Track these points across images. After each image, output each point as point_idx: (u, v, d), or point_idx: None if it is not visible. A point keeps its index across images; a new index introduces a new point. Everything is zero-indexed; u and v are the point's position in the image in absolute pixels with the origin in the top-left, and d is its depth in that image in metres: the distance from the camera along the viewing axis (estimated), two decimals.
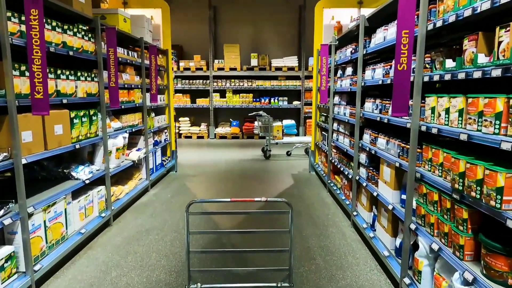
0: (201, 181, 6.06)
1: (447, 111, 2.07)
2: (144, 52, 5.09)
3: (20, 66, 2.52)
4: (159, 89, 6.18)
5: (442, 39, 2.52)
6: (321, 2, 6.26)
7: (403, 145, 2.72)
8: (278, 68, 10.82)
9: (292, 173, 6.60)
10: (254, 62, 10.83)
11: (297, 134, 10.97)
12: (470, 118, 1.83)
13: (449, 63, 2.04)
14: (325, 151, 5.64)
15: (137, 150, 5.03)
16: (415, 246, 2.51)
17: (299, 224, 4.06)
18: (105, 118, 3.85)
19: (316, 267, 3.09)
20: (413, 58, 2.39)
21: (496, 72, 1.59)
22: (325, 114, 5.84)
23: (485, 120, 1.71)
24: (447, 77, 2.01)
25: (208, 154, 8.52)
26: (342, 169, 4.50)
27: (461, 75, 1.87)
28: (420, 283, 2.33)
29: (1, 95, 2.34)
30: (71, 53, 3.18)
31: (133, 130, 4.80)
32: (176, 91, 11.35)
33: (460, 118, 1.94)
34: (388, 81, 2.91)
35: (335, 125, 5.00)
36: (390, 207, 2.84)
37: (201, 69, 10.95)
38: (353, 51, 4.09)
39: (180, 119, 11.23)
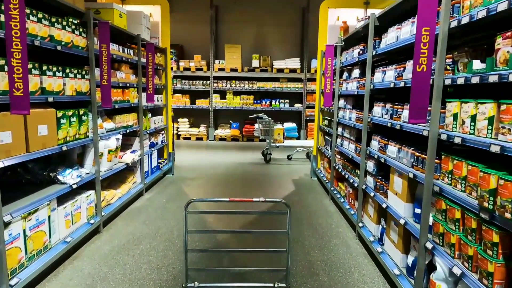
0: (198, 185, 5.82)
1: (473, 118, 1.83)
2: (141, 49, 4.86)
3: None
4: (157, 88, 5.96)
5: (465, 38, 2.29)
6: (326, 2, 6.04)
7: (417, 154, 2.48)
8: (280, 70, 10.60)
9: (293, 179, 6.37)
10: (255, 63, 10.61)
11: (298, 138, 10.74)
12: (503, 127, 1.60)
13: (477, 65, 1.81)
14: (328, 156, 5.40)
15: (131, 152, 4.80)
16: (430, 266, 2.27)
17: (301, 234, 3.82)
18: (96, 118, 3.62)
19: (319, 284, 2.85)
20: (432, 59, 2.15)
21: None
22: (328, 118, 5.61)
23: None
24: (475, 80, 1.77)
25: (206, 157, 8.29)
26: (347, 176, 4.27)
27: (493, 78, 1.64)
28: None
29: None
30: (59, 47, 2.95)
31: (128, 131, 4.56)
32: (176, 91, 11.12)
33: (489, 127, 1.71)
34: (402, 84, 2.68)
35: (340, 129, 4.76)
36: (401, 221, 2.60)
37: (201, 69, 10.73)
38: (361, 52, 3.87)
39: (179, 120, 11.00)
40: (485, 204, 1.65)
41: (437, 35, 2.06)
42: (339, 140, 4.83)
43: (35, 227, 2.73)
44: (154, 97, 5.06)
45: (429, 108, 2.18)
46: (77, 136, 3.34)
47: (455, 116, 1.99)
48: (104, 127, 3.96)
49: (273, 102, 10.78)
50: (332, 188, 5.00)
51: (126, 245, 3.48)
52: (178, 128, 10.98)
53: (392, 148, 2.94)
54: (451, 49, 2.16)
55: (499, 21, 1.86)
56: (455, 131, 2.01)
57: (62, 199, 3.22)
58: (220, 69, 10.71)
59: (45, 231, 2.84)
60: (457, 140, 1.90)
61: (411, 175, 2.49)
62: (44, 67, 2.83)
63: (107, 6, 4.19)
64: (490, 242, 1.67)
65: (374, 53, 3.37)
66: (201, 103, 10.95)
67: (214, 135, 10.92)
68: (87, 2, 3.76)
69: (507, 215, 1.52)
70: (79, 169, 3.50)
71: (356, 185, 3.86)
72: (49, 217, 2.90)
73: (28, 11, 2.61)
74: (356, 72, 4.20)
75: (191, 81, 10.90)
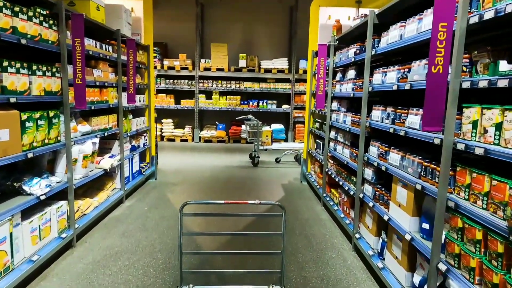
0: (182, 190, 5.49)
1: (499, 126, 1.61)
2: (121, 46, 4.51)
3: None
4: (138, 88, 5.60)
5: (482, 36, 2.08)
6: (317, 0, 5.81)
7: (426, 163, 2.26)
8: (268, 70, 10.36)
9: (283, 183, 6.12)
10: (242, 63, 10.33)
11: (286, 140, 10.53)
12: None
13: (504, 66, 1.58)
14: (320, 160, 5.18)
15: (110, 157, 4.44)
16: None
17: (294, 245, 3.57)
18: (69, 121, 3.27)
19: None
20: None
21: None
22: (320, 121, 5.39)
23: None
24: (502, 83, 1.55)
25: (191, 159, 7.95)
26: (341, 183, 4.04)
27: None
28: None
29: None
30: (23, 41, 2.60)
31: (106, 134, 4.21)
32: (160, 91, 10.72)
33: None
34: (407, 87, 2.46)
35: (333, 133, 4.54)
36: (407, 236, 2.38)
37: (187, 68, 10.37)
38: (357, 51, 3.64)
39: (163, 120, 10.60)
40: None
41: (453, 33, 1.84)
42: (332, 144, 4.60)
43: None
44: (135, 97, 4.72)
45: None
46: (46, 141, 2.98)
47: (474, 123, 1.77)
48: (79, 130, 3.60)
49: (261, 103, 10.53)
50: (324, 195, 4.77)
51: (102, 262, 3.14)
52: (162, 129, 10.58)
53: (395, 156, 2.71)
54: (466, 48, 1.94)
55: None
56: (474, 141, 1.79)
57: (28, 212, 2.86)
58: (206, 69, 10.38)
59: (5, 250, 2.49)
60: (479, 151, 1.68)
61: (418, 187, 2.26)
62: (5, 63, 2.48)
63: None
64: None
65: (373, 53, 3.15)
66: (186, 103, 10.59)
67: (200, 137, 10.58)
68: None
69: None
70: (49, 178, 3.14)
71: (352, 193, 3.63)
72: (11, 234, 2.54)
73: None
74: (351, 73, 3.98)
75: (175, 81, 10.53)
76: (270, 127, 9.60)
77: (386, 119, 2.93)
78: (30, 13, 2.70)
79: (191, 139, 10.61)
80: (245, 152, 8.96)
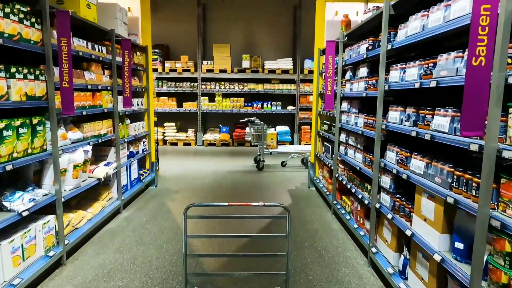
0: (184, 198, 5.20)
1: None
2: (115, 47, 4.24)
3: None
4: (136, 91, 5.33)
5: None
6: None
7: (458, 173, 1.94)
8: (272, 71, 10.05)
9: (289, 189, 5.80)
10: (245, 63, 10.04)
11: (292, 142, 10.22)
12: None
13: None
14: (329, 165, 4.86)
15: (105, 165, 4.16)
16: None
17: (304, 260, 3.25)
18: (56, 128, 2.99)
19: None
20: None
21: None
22: (328, 123, 5.07)
23: None
24: None
25: (194, 164, 7.67)
26: (353, 190, 3.72)
27: None
28: None
29: None
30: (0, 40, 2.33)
31: (100, 141, 3.93)
32: (161, 94, 10.48)
33: None
34: (432, 84, 2.14)
35: (343, 136, 4.22)
36: (436, 257, 2.06)
37: (189, 70, 10.11)
38: (370, 47, 3.33)
39: (165, 124, 10.35)
40: None
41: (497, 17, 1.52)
42: (342, 148, 4.29)
43: None
44: (131, 101, 4.44)
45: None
46: (29, 150, 2.71)
47: None
48: (69, 138, 3.33)
49: (265, 105, 10.23)
50: (334, 202, 4.45)
51: (93, 282, 2.86)
52: (164, 133, 10.33)
53: (418, 163, 2.39)
54: None
55: None
56: None
57: (9, 231, 2.59)
58: (208, 70, 10.11)
59: None
60: None
61: (450, 200, 1.94)
62: None
63: None
64: None
65: (389, 47, 2.83)
66: (188, 106, 10.32)
67: (203, 140, 10.31)
68: None
69: None
70: (35, 191, 2.87)
71: (366, 202, 3.32)
72: None
73: None
74: (363, 71, 3.66)
75: (177, 83, 10.27)
76: (275, 130, 9.29)
77: (406, 120, 2.62)
78: (7, 10, 2.43)
79: (194, 143, 10.34)
80: (249, 155, 8.66)
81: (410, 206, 2.54)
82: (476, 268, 1.70)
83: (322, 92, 5.42)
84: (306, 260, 3.29)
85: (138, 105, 5.28)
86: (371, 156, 3.32)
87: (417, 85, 2.35)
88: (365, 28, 3.77)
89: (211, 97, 10.44)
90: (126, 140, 4.71)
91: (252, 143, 7.48)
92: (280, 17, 10.56)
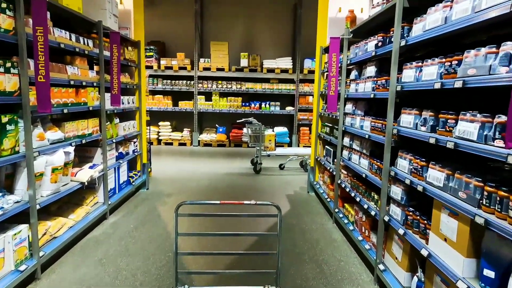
0: (176, 202, 4.88)
1: None
2: (103, 40, 3.93)
3: None
4: (127, 88, 5.03)
5: None
6: None
7: (490, 188, 1.66)
8: (270, 70, 9.77)
9: (288, 194, 5.52)
10: (244, 62, 9.74)
11: (290, 144, 9.94)
12: None
13: None
14: (330, 170, 4.58)
15: (90, 167, 3.86)
16: None
17: (304, 276, 2.97)
18: (30, 127, 2.69)
19: None
20: None
21: None
22: (330, 125, 4.79)
23: None
24: None
25: (189, 165, 7.36)
26: (358, 199, 3.44)
27: None
28: None
29: None
30: None
31: (84, 141, 3.63)
32: (156, 92, 10.16)
33: None
34: (457, 84, 1.86)
35: (346, 140, 3.94)
36: (460, 285, 1.78)
37: (185, 68, 9.80)
38: (380, 43, 3.04)
39: (160, 123, 10.04)
40: None
41: None
42: (345, 152, 4.00)
43: None
44: (120, 99, 4.13)
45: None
46: None
47: None
48: (47, 138, 3.02)
49: (263, 105, 9.94)
50: (336, 210, 4.17)
51: None
52: (159, 132, 10.02)
53: (436, 174, 2.11)
54: None
55: None
56: None
57: None
58: (205, 69, 9.80)
59: None
60: None
61: (479, 220, 1.66)
62: None
63: None
64: None
65: (402, 43, 2.55)
66: (184, 105, 10.01)
67: (199, 140, 10.00)
68: None
69: None
70: (5, 197, 2.57)
71: (373, 213, 3.03)
72: None
73: None
74: (370, 70, 3.38)
75: (173, 81, 9.96)
76: (273, 131, 9.01)
77: (422, 125, 2.33)
78: None
79: (189, 143, 10.03)
80: (246, 157, 8.38)
81: (426, 222, 2.26)
82: None
83: (324, 92, 5.14)
84: (306, 275, 3.00)
85: (129, 103, 4.97)
86: (379, 163, 3.04)
87: (437, 86, 2.07)
88: (372, 24, 3.49)
89: (208, 96, 10.13)
90: (114, 140, 4.40)
91: (250, 145, 7.19)
92: (280, 15, 10.28)
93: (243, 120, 7.42)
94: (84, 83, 3.58)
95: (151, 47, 9.72)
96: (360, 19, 4.72)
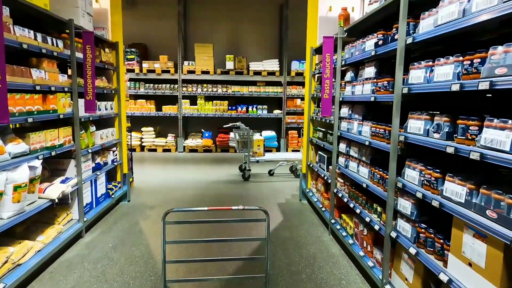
0: (159, 216, 4.53)
1: None
2: (76, 41, 3.56)
3: None
4: (105, 94, 4.65)
5: None
6: None
7: None
8: (257, 73, 9.49)
9: (279, 202, 5.23)
10: (229, 65, 9.44)
11: (278, 148, 9.67)
12: None
13: None
14: (324, 177, 4.31)
15: (62, 182, 3.47)
16: None
17: None
18: None
19: None
20: None
21: None
22: (323, 130, 4.53)
23: None
24: None
25: (174, 174, 6.98)
26: (358, 211, 3.17)
27: None
28: None
29: None
30: None
31: (54, 153, 3.24)
32: (139, 97, 9.75)
33: None
34: (483, 86, 1.61)
35: (343, 146, 3.68)
36: None
37: (168, 71, 9.42)
38: (380, 42, 2.79)
39: (143, 129, 9.62)
40: None
41: None
42: (341, 159, 3.74)
43: None
44: (95, 105, 3.76)
45: None
46: None
47: None
48: (8, 152, 2.64)
49: (250, 108, 9.65)
50: (333, 221, 3.90)
51: None
52: (142, 138, 9.60)
53: (455, 188, 1.86)
54: None
55: None
56: None
57: None
58: (189, 72, 9.45)
59: None
60: None
61: None
62: None
63: None
64: None
65: (409, 41, 2.30)
66: (168, 109, 9.62)
67: (184, 146, 9.62)
68: None
69: None
70: None
71: (376, 227, 2.77)
72: None
73: None
74: (369, 71, 3.13)
75: (156, 85, 9.56)
76: (261, 135, 8.73)
77: (434, 132, 2.08)
78: None
79: (174, 149, 9.64)
80: (234, 162, 8.06)
81: (442, 241, 2.00)
82: None
83: (315, 95, 4.89)
84: None
85: (106, 109, 4.59)
86: (381, 172, 2.78)
87: (455, 88, 1.81)
88: (370, 21, 3.25)
89: (193, 100, 9.78)
90: (90, 150, 4.02)
91: (237, 151, 6.87)
92: (266, 17, 10.03)
93: (230, 125, 7.10)
94: (53, 88, 3.20)
95: (132, 49, 9.31)
96: (352, 18, 4.50)
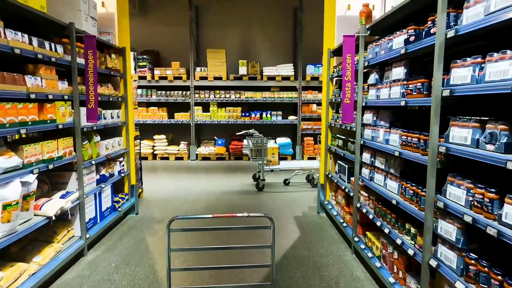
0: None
1: None
2: (76, 45, 3.34)
3: None
4: (111, 102, 4.43)
5: None
6: None
7: None
8: (271, 78, 9.19)
9: (296, 215, 4.87)
10: (242, 70, 9.17)
11: (294, 155, 9.31)
12: None
13: None
14: (345, 189, 3.94)
15: (62, 197, 3.23)
16: None
17: None
18: None
19: None
20: None
21: None
22: (343, 137, 4.17)
23: None
24: None
25: (185, 183, 6.72)
26: (386, 231, 2.79)
27: None
28: None
29: None
30: None
31: (52, 166, 3.01)
32: (151, 104, 9.60)
33: None
34: None
35: (367, 155, 3.32)
36: None
37: (180, 78, 9.23)
38: (411, 38, 2.44)
39: (155, 137, 9.43)
40: None
41: None
42: (365, 170, 3.37)
43: None
44: (97, 114, 3.52)
45: None
46: None
47: None
48: None
49: (264, 115, 9.34)
50: (356, 239, 3.52)
51: None
52: (154, 146, 9.41)
53: None
54: None
55: None
56: None
57: None
58: (202, 78, 9.23)
59: None
60: None
61: None
62: None
63: None
64: None
65: (451, 34, 1.94)
66: (180, 117, 9.42)
67: (197, 154, 9.38)
68: None
69: None
70: None
71: (410, 252, 2.39)
72: None
73: None
74: (398, 72, 2.77)
75: (168, 92, 9.38)
76: (275, 142, 8.40)
77: (487, 143, 1.71)
78: None
79: (187, 157, 9.41)
80: (247, 171, 7.74)
81: (501, 277, 1.62)
82: None
83: (333, 100, 4.54)
84: None
85: (112, 117, 4.37)
86: (415, 188, 2.41)
87: None
88: (396, 16, 2.90)
89: (205, 106, 9.55)
90: (94, 162, 3.78)
91: (251, 159, 6.56)
92: (280, 20, 9.75)
93: (243, 132, 6.81)
94: (51, 97, 2.97)
95: (144, 56, 9.18)
96: (373, 17, 4.15)
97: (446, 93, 1.97)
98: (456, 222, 1.92)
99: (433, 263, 2.09)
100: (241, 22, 9.75)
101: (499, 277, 1.64)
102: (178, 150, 9.41)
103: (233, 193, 6.04)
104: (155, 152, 9.41)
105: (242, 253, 3.53)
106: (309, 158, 9.13)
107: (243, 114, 9.32)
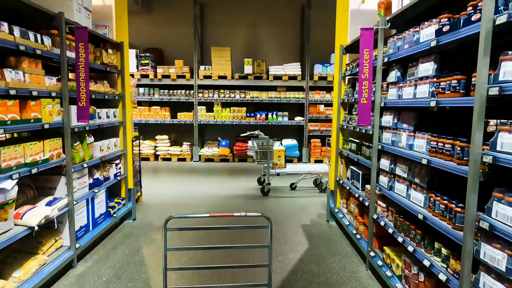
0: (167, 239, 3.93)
1: None
2: (66, 37, 3.04)
3: None
4: (107, 100, 4.14)
5: None
6: None
7: None
8: (277, 77, 8.87)
9: (303, 223, 4.54)
10: (248, 69, 8.85)
11: (300, 157, 8.97)
12: None
13: None
14: (359, 198, 3.61)
15: (48, 203, 2.93)
16: None
17: None
18: None
19: None
20: None
21: None
22: (357, 141, 3.83)
23: None
24: None
25: (187, 186, 6.41)
26: (411, 248, 2.45)
27: None
28: None
29: None
30: None
31: (35, 171, 2.70)
32: (153, 103, 9.32)
33: None
34: None
35: (385, 162, 2.98)
36: None
37: (184, 76, 8.94)
38: (445, 28, 2.10)
39: (157, 137, 9.15)
40: None
41: None
42: (383, 178, 3.04)
43: None
44: (88, 112, 3.21)
45: None
46: None
47: None
48: None
49: (270, 115, 9.01)
50: (372, 253, 3.18)
51: None
52: (156, 147, 9.13)
53: None
54: None
55: None
56: None
57: None
58: (206, 77, 8.93)
59: None
60: None
61: None
62: None
63: None
64: None
65: (502, 20, 1.61)
66: (183, 116, 9.12)
67: (200, 155, 9.08)
68: None
69: None
70: None
71: (443, 277, 2.05)
72: None
73: None
74: (426, 68, 2.43)
75: (171, 91, 9.09)
76: (281, 143, 8.06)
77: None
78: None
79: (189, 158, 9.11)
80: (252, 174, 7.42)
81: None
82: None
83: (346, 100, 4.21)
84: None
85: (108, 117, 4.07)
86: (446, 202, 2.08)
87: None
88: (420, 6, 2.57)
89: (209, 106, 9.25)
90: (86, 165, 3.48)
91: (256, 162, 6.23)
92: (286, 18, 9.42)
93: (248, 133, 6.49)
94: (35, 93, 2.68)
95: (147, 54, 8.90)
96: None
97: (493, 91, 1.64)
98: (507, 249, 1.58)
99: None
100: (247, 20, 9.43)
101: None
102: (181, 151, 9.11)
103: (236, 197, 5.72)
104: (157, 153, 9.12)
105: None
106: (316, 161, 8.80)
107: (248, 114, 9.00)
